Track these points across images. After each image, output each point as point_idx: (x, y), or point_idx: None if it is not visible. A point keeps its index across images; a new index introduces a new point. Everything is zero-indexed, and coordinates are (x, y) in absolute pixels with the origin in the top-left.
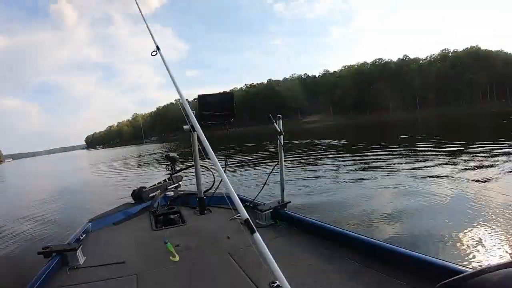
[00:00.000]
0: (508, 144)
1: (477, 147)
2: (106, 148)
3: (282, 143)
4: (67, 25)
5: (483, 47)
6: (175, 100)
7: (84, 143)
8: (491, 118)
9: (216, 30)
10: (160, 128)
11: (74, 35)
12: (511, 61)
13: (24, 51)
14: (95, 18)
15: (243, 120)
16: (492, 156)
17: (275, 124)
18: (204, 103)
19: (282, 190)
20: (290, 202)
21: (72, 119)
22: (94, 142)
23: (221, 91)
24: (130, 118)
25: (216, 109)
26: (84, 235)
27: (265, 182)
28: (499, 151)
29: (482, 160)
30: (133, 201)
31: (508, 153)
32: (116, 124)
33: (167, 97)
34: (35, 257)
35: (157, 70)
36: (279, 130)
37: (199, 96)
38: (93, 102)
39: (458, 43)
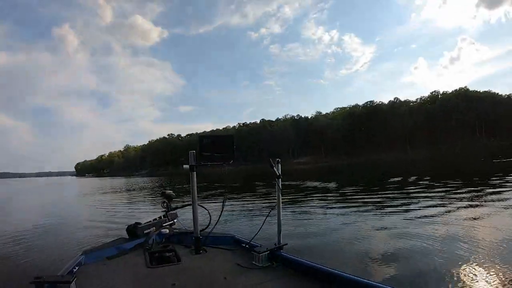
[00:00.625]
0: (497, 183)
1: (467, 187)
2: (96, 177)
3: (281, 186)
4: (68, 50)
5: (471, 89)
6: (168, 134)
7: (73, 169)
8: (480, 157)
9: (213, 67)
10: (151, 162)
11: (73, 61)
12: (498, 101)
13: (21, 69)
14: (95, 46)
15: (236, 159)
16: (481, 196)
17: (274, 168)
18: (205, 143)
19: (279, 232)
20: (286, 244)
21: (63, 145)
22: (83, 169)
23: (215, 131)
24: (122, 149)
25: (216, 150)
26: (77, 268)
27: (262, 224)
28: (488, 190)
29: (471, 199)
30: (128, 237)
31: (497, 192)
32: (107, 154)
33: (160, 131)
34: (26, 286)
35: (153, 103)
36: (278, 174)
37: (200, 136)
38: (85, 129)
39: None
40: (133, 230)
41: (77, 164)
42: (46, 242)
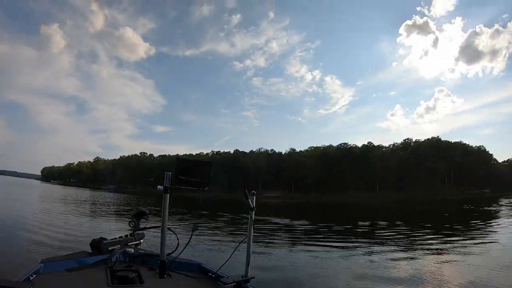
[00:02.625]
0: (458, 229)
1: (431, 232)
2: (62, 185)
3: (253, 218)
4: (53, 50)
5: (444, 138)
6: (140, 153)
7: (39, 173)
8: (447, 205)
9: (194, 91)
10: (120, 177)
11: (57, 62)
12: (468, 152)
13: (2, 61)
14: (82, 51)
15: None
16: (444, 242)
17: (249, 200)
18: (182, 167)
19: (248, 264)
20: (254, 277)
21: (31, 145)
22: (49, 175)
23: (187, 155)
24: (91, 160)
25: (193, 174)
26: (34, 276)
27: (231, 254)
28: (450, 237)
29: (436, 244)
30: (91, 251)
31: (459, 240)
32: (76, 163)
33: (133, 148)
34: None
35: (130, 118)
36: (252, 206)
37: (178, 158)
38: (58, 133)
39: (420, 135)
40: (97, 245)
41: (44, 168)
42: (2, 247)
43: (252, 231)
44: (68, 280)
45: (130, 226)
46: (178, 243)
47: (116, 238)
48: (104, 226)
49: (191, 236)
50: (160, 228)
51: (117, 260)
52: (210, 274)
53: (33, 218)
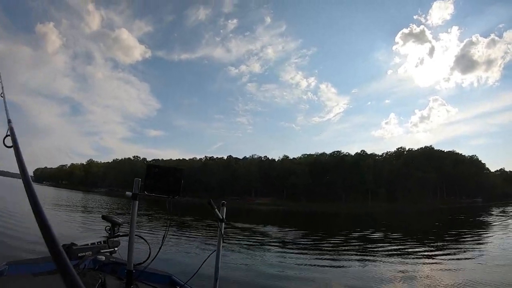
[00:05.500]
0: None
1: (422, 242)
2: (53, 187)
3: (223, 231)
4: (48, 50)
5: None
6: (133, 156)
7: (32, 174)
8: (437, 215)
9: (189, 96)
10: (112, 180)
11: (52, 62)
12: (460, 161)
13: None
14: (77, 52)
15: (197, 190)
16: (435, 253)
17: (216, 210)
18: (153, 173)
19: (216, 279)
20: None
21: (25, 146)
22: (42, 176)
23: (181, 160)
24: (84, 162)
25: (163, 181)
26: None
27: (199, 268)
28: (441, 248)
29: (426, 254)
30: None
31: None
32: (69, 165)
33: (126, 151)
34: None
35: (124, 121)
36: (221, 217)
37: (148, 165)
38: (52, 135)
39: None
40: (67, 250)
41: (37, 169)
42: None
43: (221, 244)
44: (33, 284)
45: (106, 232)
46: (150, 252)
47: (88, 244)
48: (81, 230)
49: (161, 245)
50: (128, 236)
51: (85, 267)
52: (178, 287)
53: (8, 219)
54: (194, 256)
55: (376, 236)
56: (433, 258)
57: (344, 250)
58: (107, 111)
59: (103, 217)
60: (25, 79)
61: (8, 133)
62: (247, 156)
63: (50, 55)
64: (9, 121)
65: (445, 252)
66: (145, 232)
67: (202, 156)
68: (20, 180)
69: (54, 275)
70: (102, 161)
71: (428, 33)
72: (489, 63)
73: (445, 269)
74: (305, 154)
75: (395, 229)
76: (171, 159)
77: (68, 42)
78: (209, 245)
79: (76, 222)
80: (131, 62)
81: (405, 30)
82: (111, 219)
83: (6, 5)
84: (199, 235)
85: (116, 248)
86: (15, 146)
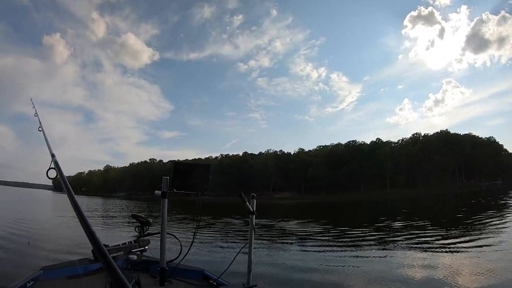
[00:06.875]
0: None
1: (444, 228)
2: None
3: (254, 223)
4: (56, 61)
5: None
6: (150, 159)
7: (51, 183)
8: (458, 199)
9: (200, 95)
10: (130, 184)
11: (61, 72)
12: (478, 144)
13: (9, 73)
14: (85, 60)
15: (215, 189)
16: (458, 237)
17: (247, 203)
18: (180, 170)
19: (249, 272)
20: (256, 285)
21: (42, 157)
22: (61, 185)
23: (197, 160)
24: (101, 169)
25: (191, 178)
26: (32, 282)
27: (232, 262)
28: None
29: (450, 240)
30: (92, 258)
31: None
32: (86, 172)
33: (142, 154)
34: None
35: (137, 125)
36: (252, 210)
37: (175, 162)
38: (67, 144)
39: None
40: None
41: (55, 178)
42: (5, 253)
43: (253, 236)
44: (66, 286)
45: (136, 231)
46: (181, 249)
47: (119, 245)
48: (110, 233)
49: (192, 242)
50: (159, 234)
51: (118, 267)
52: (211, 282)
53: (38, 227)
54: (223, 251)
55: (398, 225)
56: (458, 246)
57: (367, 240)
58: (120, 116)
59: (133, 216)
60: (37, 92)
61: (52, 165)
62: (263, 151)
63: (59, 65)
64: (52, 155)
65: (468, 238)
66: (172, 230)
67: (218, 154)
68: (41, 190)
69: (86, 276)
70: (119, 166)
71: (437, 14)
72: (501, 41)
73: (469, 257)
74: (320, 146)
75: (416, 216)
76: (187, 159)
77: (75, 51)
78: (236, 241)
79: (104, 225)
80: (140, 66)
81: (413, 13)
82: (141, 218)
83: (12, 19)
84: (225, 232)
85: (146, 247)
86: (62, 178)
